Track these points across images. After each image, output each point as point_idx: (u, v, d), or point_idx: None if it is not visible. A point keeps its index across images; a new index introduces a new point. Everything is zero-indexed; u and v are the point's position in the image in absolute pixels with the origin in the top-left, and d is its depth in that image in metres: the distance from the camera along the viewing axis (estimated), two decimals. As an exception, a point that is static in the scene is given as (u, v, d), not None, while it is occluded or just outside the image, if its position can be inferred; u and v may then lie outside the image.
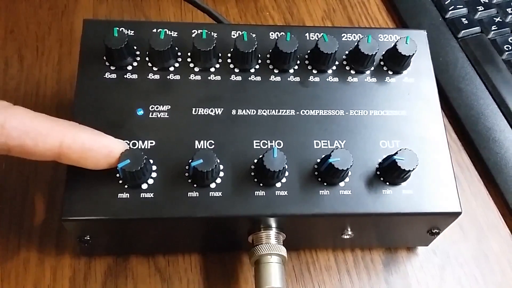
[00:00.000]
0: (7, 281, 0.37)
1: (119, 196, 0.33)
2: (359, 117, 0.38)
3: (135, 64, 0.37)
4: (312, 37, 0.40)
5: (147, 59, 0.37)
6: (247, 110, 0.37)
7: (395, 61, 0.39)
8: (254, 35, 0.37)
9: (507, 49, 0.50)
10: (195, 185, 0.34)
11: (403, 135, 0.37)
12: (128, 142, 0.34)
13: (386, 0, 0.55)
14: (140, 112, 0.36)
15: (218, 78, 0.38)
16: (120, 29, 0.36)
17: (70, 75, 0.46)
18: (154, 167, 0.34)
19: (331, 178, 0.34)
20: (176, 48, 0.38)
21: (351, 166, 0.33)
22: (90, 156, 0.31)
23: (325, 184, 0.35)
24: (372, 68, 0.39)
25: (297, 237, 0.38)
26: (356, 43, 0.38)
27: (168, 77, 0.37)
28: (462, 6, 0.53)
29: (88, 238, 0.35)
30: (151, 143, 0.35)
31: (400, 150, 0.34)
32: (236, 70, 0.38)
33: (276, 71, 0.38)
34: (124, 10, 0.51)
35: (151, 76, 0.37)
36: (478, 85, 0.49)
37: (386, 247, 0.41)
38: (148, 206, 0.33)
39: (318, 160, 0.35)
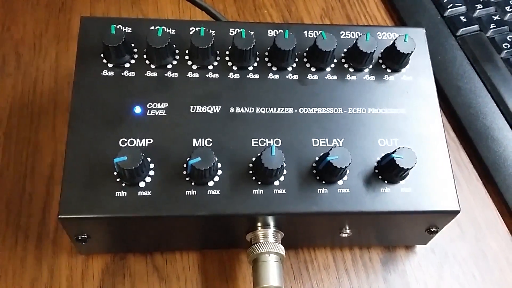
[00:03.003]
0: (4, 279, 0.37)
1: (116, 194, 0.33)
2: (357, 115, 0.37)
3: (132, 61, 0.37)
4: (311, 35, 0.40)
5: (144, 56, 0.37)
6: (245, 108, 0.37)
7: (394, 59, 0.39)
8: (252, 33, 0.37)
9: (505, 47, 0.49)
10: (193, 183, 0.34)
11: (402, 133, 0.37)
12: (126, 139, 0.34)
13: (384, -2, 0.55)
14: (138, 110, 0.35)
15: (216, 75, 0.37)
16: (118, 27, 0.36)
17: (67, 73, 0.46)
18: (151, 165, 0.34)
19: (329, 176, 0.34)
20: (174, 46, 0.38)
21: (349, 164, 0.33)
22: None
23: (323, 182, 0.35)
24: (371, 66, 0.39)
25: (295, 235, 0.38)
26: (354, 41, 0.38)
27: (166, 74, 0.37)
28: (460, 4, 0.52)
29: (86, 237, 0.34)
30: (149, 141, 0.35)
31: (398, 148, 0.34)
32: (234, 68, 0.38)
33: (274, 69, 0.38)
34: (121, 7, 0.50)
35: (148, 74, 0.37)
36: (476, 84, 0.48)
37: (384, 246, 0.41)
38: (146, 204, 0.33)
39: (317, 158, 0.35)
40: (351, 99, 0.38)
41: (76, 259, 0.38)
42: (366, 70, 0.39)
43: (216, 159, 0.33)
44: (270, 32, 0.39)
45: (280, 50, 0.37)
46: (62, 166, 0.33)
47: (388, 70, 0.39)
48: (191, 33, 0.38)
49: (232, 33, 0.39)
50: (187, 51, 0.38)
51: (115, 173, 0.33)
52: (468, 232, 0.43)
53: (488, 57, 0.49)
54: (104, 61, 0.37)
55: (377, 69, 0.39)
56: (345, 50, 0.39)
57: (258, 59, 0.38)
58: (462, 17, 0.52)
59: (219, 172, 0.34)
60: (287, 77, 0.38)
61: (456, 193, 0.36)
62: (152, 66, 0.37)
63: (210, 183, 0.34)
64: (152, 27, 0.38)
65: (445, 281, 0.40)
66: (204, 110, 0.36)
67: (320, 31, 0.38)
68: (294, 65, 0.39)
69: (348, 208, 0.34)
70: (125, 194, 0.33)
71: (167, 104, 0.36)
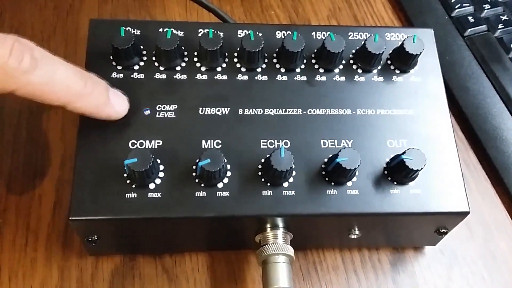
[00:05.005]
0: (14, 281, 0.37)
1: (126, 196, 0.33)
2: (366, 116, 0.37)
3: (141, 63, 0.37)
4: (319, 36, 0.40)
5: (153, 58, 0.37)
6: (254, 110, 0.37)
7: (402, 60, 0.39)
8: (260, 34, 0.37)
9: (514, 47, 0.49)
10: (202, 185, 0.34)
11: (411, 134, 0.37)
12: (136, 142, 0.34)
13: (391, -2, 0.55)
14: (147, 112, 0.36)
15: (225, 77, 0.37)
16: (127, 29, 0.36)
17: (76, 75, 0.46)
18: (161, 167, 0.34)
19: (338, 177, 0.34)
20: (183, 48, 0.38)
21: (358, 165, 0.33)
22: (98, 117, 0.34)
23: (332, 183, 0.35)
24: (379, 67, 0.39)
25: (304, 236, 0.38)
26: (363, 42, 0.38)
27: (174, 76, 0.37)
28: (468, 4, 0.52)
29: (96, 238, 0.35)
30: (158, 143, 0.35)
31: (407, 149, 0.34)
32: (243, 70, 0.38)
33: (282, 70, 0.38)
34: (129, 10, 0.51)
35: (157, 76, 0.37)
36: (485, 84, 0.48)
37: (393, 247, 0.41)
38: (156, 205, 0.33)
39: (326, 160, 0.35)
40: (360, 100, 0.38)
41: (86, 260, 0.38)
42: (375, 71, 0.39)
43: (226, 160, 0.34)
44: (278, 33, 0.40)
45: (288, 52, 0.37)
46: (72, 168, 0.33)
47: (397, 71, 0.39)
48: (199, 35, 0.38)
49: (240, 34, 0.39)
50: (195, 53, 0.38)
51: (125, 175, 0.33)
52: (477, 233, 0.43)
53: (496, 57, 0.49)
54: (113, 63, 0.37)
55: (386, 70, 0.39)
56: (354, 51, 0.39)
57: (266, 60, 0.38)
58: (470, 17, 0.51)
59: (228, 173, 0.34)
60: (295, 78, 0.38)
61: (466, 194, 0.36)
62: (161, 68, 0.37)
63: (220, 185, 0.34)
64: (161, 29, 0.38)
65: (454, 282, 0.40)
66: (213, 111, 0.36)
67: (328, 33, 0.38)
68: (303, 66, 0.39)
69: (357, 209, 0.34)
70: (135, 196, 0.33)
71: (176, 106, 0.36)
